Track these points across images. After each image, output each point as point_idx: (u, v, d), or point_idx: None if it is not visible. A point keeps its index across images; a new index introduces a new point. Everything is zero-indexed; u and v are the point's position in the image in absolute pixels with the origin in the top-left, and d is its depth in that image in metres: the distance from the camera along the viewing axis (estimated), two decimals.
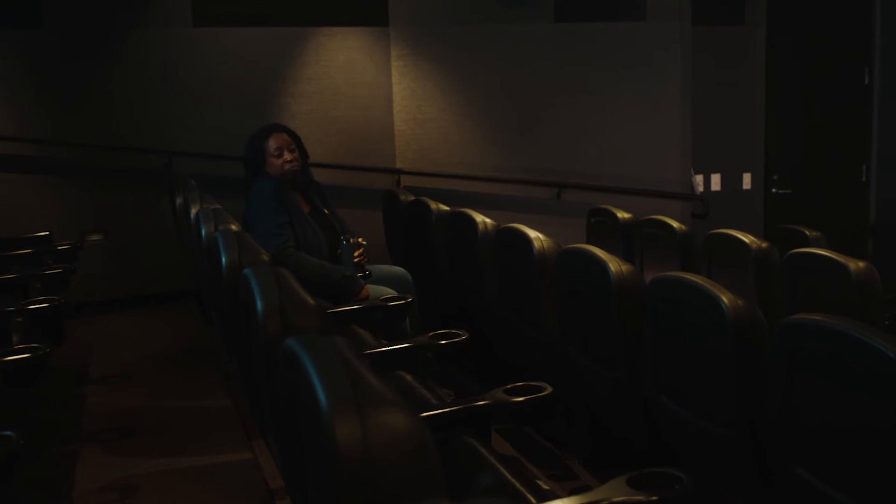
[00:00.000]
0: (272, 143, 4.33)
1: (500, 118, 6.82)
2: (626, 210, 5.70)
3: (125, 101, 6.03)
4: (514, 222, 6.65)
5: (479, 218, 4.10)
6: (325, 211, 4.44)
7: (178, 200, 3.97)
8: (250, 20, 6.23)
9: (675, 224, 4.83)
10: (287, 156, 4.32)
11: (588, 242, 5.61)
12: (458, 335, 2.90)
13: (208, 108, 6.18)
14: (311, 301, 1.69)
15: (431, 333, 2.90)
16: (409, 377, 2.72)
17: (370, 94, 6.33)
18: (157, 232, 5.92)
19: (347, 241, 4.16)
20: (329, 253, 4.21)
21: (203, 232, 2.89)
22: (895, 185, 8.17)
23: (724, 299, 2.44)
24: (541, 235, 3.55)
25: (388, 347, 2.86)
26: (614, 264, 2.94)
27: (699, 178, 7.50)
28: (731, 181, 7.82)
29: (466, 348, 2.85)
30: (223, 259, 2.23)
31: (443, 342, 2.89)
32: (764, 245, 4.29)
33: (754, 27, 7.76)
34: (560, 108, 6.87)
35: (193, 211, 3.41)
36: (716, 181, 7.74)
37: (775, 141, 7.97)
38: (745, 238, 4.32)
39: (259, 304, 1.65)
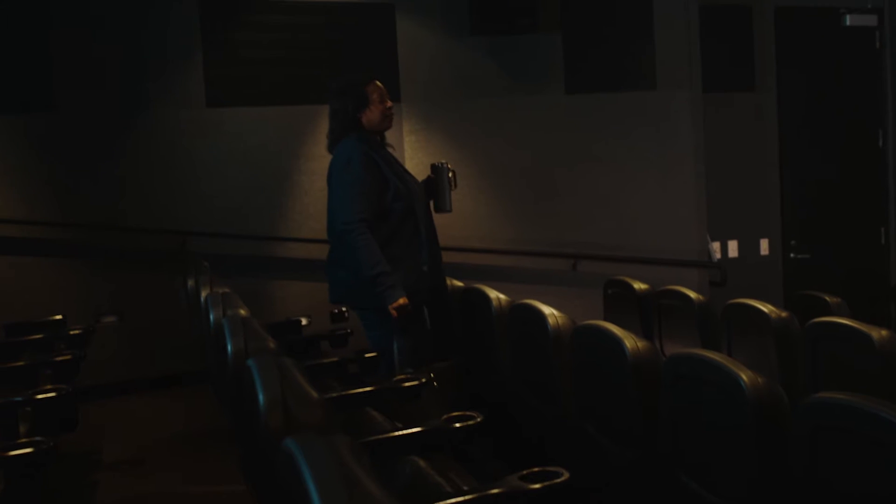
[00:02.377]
0: (374, 90, 4.12)
1: (513, 190, 6.82)
2: (644, 280, 5.65)
3: (138, 181, 6.07)
4: (531, 295, 6.62)
5: (493, 294, 4.05)
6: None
7: (190, 283, 3.95)
8: (262, 100, 6.29)
9: (692, 294, 4.77)
10: (388, 102, 4.18)
11: (605, 314, 5.57)
12: (473, 417, 2.83)
13: (221, 187, 6.21)
14: (314, 394, 1.64)
15: (445, 416, 2.83)
16: (422, 463, 2.66)
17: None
18: (171, 312, 5.89)
19: (441, 165, 4.32)
20: (423, 200, 4.22)
21: (211, 317, 2.86)
22: None
23: (744, 377, 2.37)
24: (555, 311, 3.49)
25: (400, 432, 2.81)
26: (630, 341, 2.88)
27: (716, 246, 7.45)
28: (748, 247, 7.77)
29: (481, 430, 2.78)
30: (228, 346, 2.19)
31: (457, 425, 2.83)
32: (784, 314, 4.22)
33: (765, 92, 7.78)
34: (574, 179, 6.87)
35: (203, 294, 3.39)
36: (733, 248, 7.69)
37: (792, 205, 7.93)
38: (765, 308, 4.25)
39: (261, 399, 1.61)
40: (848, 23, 8.01)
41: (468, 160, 6.72)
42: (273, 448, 1.45)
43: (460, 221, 6.67)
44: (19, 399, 2.84)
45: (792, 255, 7.93)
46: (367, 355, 3.99)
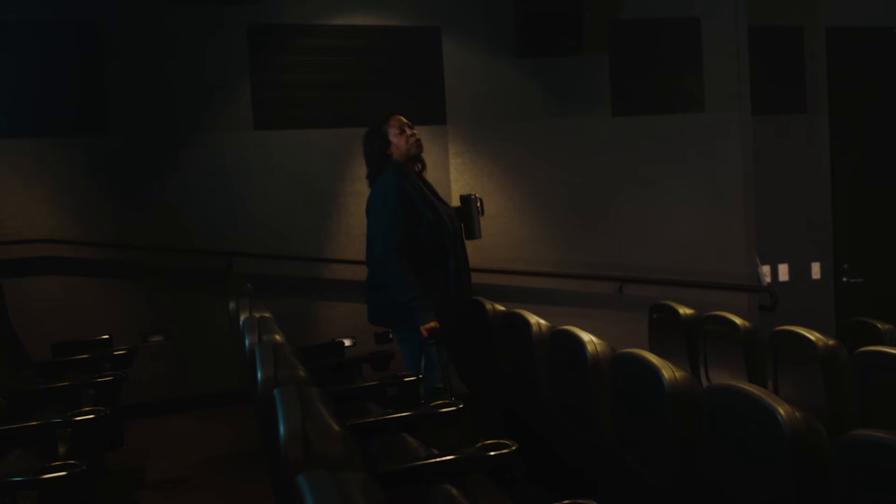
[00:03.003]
0: (393, 124, 4.46)
1: (559, 213, 6.79)
2: (692, 304, 5.57)
3: (186, 203, 6.14)
4: (576, 318, 6.59)
5: (534, 319, 4.03)
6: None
7: (231, 305, 3.98)
8: (309, 123, 6.33)
9: (738, 321, 4.68)
10: (409, 130, 4.47)
11: (650, 340, 5.51)
12: (508, 446, 2.81)
13: (268, 208, 6.26)
14: (335, 427, 1.63)
15: (480, 444, 2.81)
16: (454, 490, 2.63)
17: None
18: (217, 333, 5.94)
19: (469, 196, 4.68)
20: (453, 226, 4.48)
21: (247, 342, 2.88)
22: None
23: (781, 410, 2.33)
24: (594, 338, 3.46)
25: (433, 460, 2.79)
26: (668, 371, 2.84)
27: (766, 269, 7.35)
28: (799, 271, 7.66)
29: (520, 454, 2.76)
30: (258, 374, 2.20)
31: (491, 453, 2.81)
32: (831, 342, 4.12)
33: (817, 113, 7.68)
34: (620, 202, 6.84)
35: (242, 318, 3.41)
36: (783, 271, 7.58)
37: (844, 228, 7.79)
38: (812, 335, 4.16)
39: (281, 430, 1.61)
40: None
41: (513, 182, 6.72)
42: (290, 481, 1.45)
43: (506, 244, 6.67)
44: (59, 420, 2.87)
45: (844, 279, 7.79)
46: (406, 379, 3.98)
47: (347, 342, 6.18)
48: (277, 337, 2.80)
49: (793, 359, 4.28)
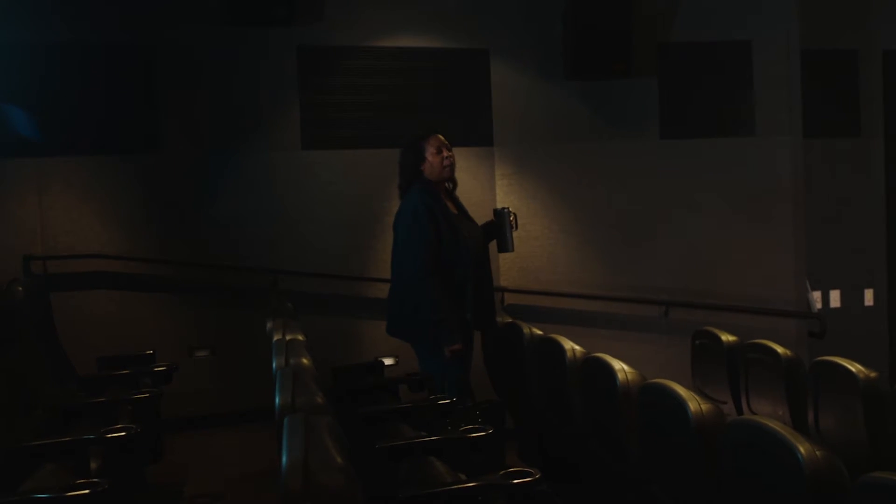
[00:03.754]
0: (432, 143, 4.60)
1: (606, 235, 6.76)
2: (740, 329, 5.52)
3: (235, 220, 6.23)
4: (620, 341, 6.62)
5: (569, 345, 4.02)
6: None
7: (269, 325, 4.03)
8: (356, 143, 6.40)
9: (780, 349, 4.62)
10: (445, 153, 4.61)
11: (692, 366, 5.46)
12: (531, 474, 2.82)
13: (314, 227, 6.33)
14: (339, 459, 1.66)
15: (503, 472, 2.83)
16: None
17: (475, 213, 6.26)
18: (261, 349, 5.98)
19: (503, 210, 4.78)
20: (475, 246, 4.60)
21: (274, 364, 2.92)
22: None
23: (801, 449, 2.30)
24: (626, 367, 3.45)
25: (456, 486, 2.81)
26: (694, 404, 2.82)
27: (816, 295, 7.24)
28: (851, 297, 7.53)
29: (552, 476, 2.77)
30: (276, 400, 2.24)
31: (514, 481, 2.82)
32: (873, 375, 4.05)
33: (872, 137, 7.56)
34: (667, 225, 6.79)
35: (275, 339, 3.46)
36: (835, 298, 7.47)
37: None
38: (853, 367, 4.09)
39: (283, 461, 1.64)
40: None
41: (560, 204, 6.71)
42: None
43: (551, 266, 6.66)
44: (91, 437, 2.94)
45: None
46: (440, 402, 4.00)
47: (389, 361, 6.21)
48: (305, 360, 2.83)
49: (834, 390, 4.22)
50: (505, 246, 4.84)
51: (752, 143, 6.86)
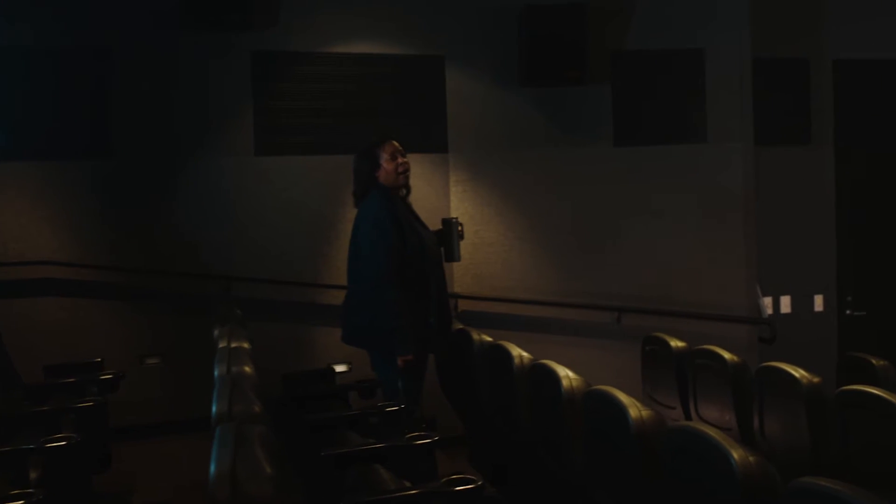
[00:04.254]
0: (387, 149, 4.65)
1: (560, 242, 6.80)
2: (691, 335, 5.57)
3: (187, 227, 6.18)
4: (574, 347, 6.65)
5: (517, 352, 4.05)
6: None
7: (216, 332, 4.01)
8: (310, 149, 6.38)
9: (727, 355, 4.68)
10: (400, 159, 4.65)
11: (642, 372, 5.51)
12: (473, 481, 2.84)
13: (267, 233, 6.29)
14: (268, 469, 1.66)
15: (445, 479, 2.85)
16: None
17: (429, 220, 6.31)
18: (212, 356, 5.96)
19: (451, 219, 4.90)
20: (436, 252, 4.71)
21: (216, 373, 2.91)
22: None
23: (735, 455, 2.33)
24: (570, 374, 3.48)
25: (398, 494, 2.82)
26: (634, 410, 2.85)
27: (767, 301, 7.32)
28: (802, 303, 7.63)
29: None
30: (213, 409, 2.23)
31: (456, 489, 2.83)
32: (815, 380, 4.10)
33: (822, 145, 7.67)
34: (621, 232, 6.84)
35: (219, 346, 3.44)
36: (786, 303, 7.56)
37: (848, 261, 7.76)
38: (796, 372, 4.15)
39: (211, 470, 1.64)
40: None
41: (514, 211, 6.74)
42: None
43: (505, 272, 6.69)
44: (30, 447, 2.91)
45: (848, 311, 7.75)
46: (388, 409, 4.00)
47: (342, 368, 6.21)
48: (247, 369, 2.82)
49: (779, 396, 4.27)
50: (452, 255, 4.93)
51: (704, 151, 6.93)
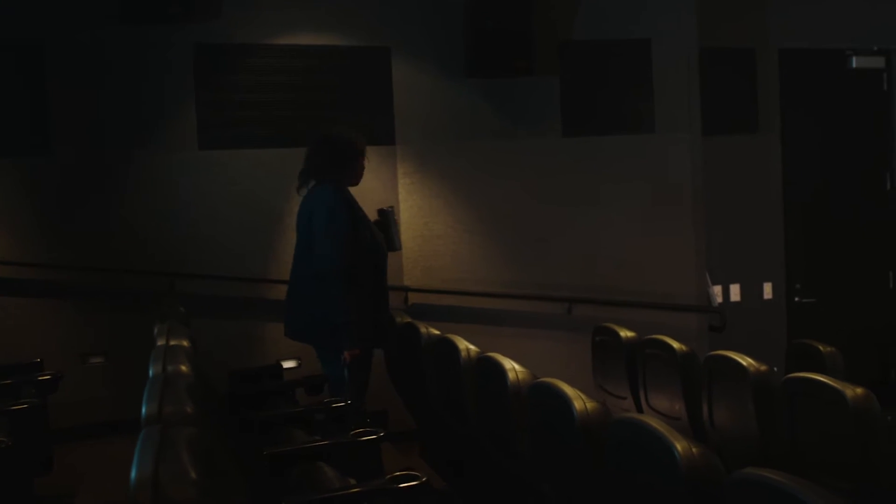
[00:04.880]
0: (364, 150, 4.70)
1: (510, 233, 6.76)
2: (641, 325, 5.58)
3: (130, 223, 6.05)
4: (525, 339, 6.63)
5: (463, 345, 4.00)
6: None
7: (155, 329, 3.92)
8: (255, 143, 6.28)
9: (675, 344, 4.67)
10: (365, 160, 4.73)
11: (593, 362, 5.50)
12: (417, 478, 2.79)
13: (213, 229, 6.18)
14: (193, 474, 1.59)
15: (390, 475, 2.80)
16: None
17: (376, 213, 6.31)
18: None
19: (388, 209, 4.89)
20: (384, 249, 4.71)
21: (150, 372, 2.83)
22: None
23: (678, 447, 2.31)
24: (517, 366, 3.44)
25: (341, 492, 2.77)
26: (579, 402, 2.82)
27: (717, 290, 7.35)
28: (751, 291, 7.67)
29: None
30: (143, 410, 2.16)
31: (401, 485, 2.79)
32: (763, 368, 4.11)
33: (769, 134, 7.71)
34: (570, 222, 6.82)
35: (158, 344, 3.36)
36: (735, 292, 7.60)
37: (796, 249, 7.82)
38: (744, 360, 4.15)
39: (132, 474, 1.57)
40: (854, 65, 7.94)
41: (463, 203, 6.69)
42: None
43: (454, 264, 6.64)
44: None
45: (796, 299, 7.81)
46: (334, 405, 3.94)
47: (291, 364, 6.14)
48: (183, 367, 2.75)
49: (727, 383, 4.28)
50: (392, 245, 4.89)
51: (652, 141, 6.93)
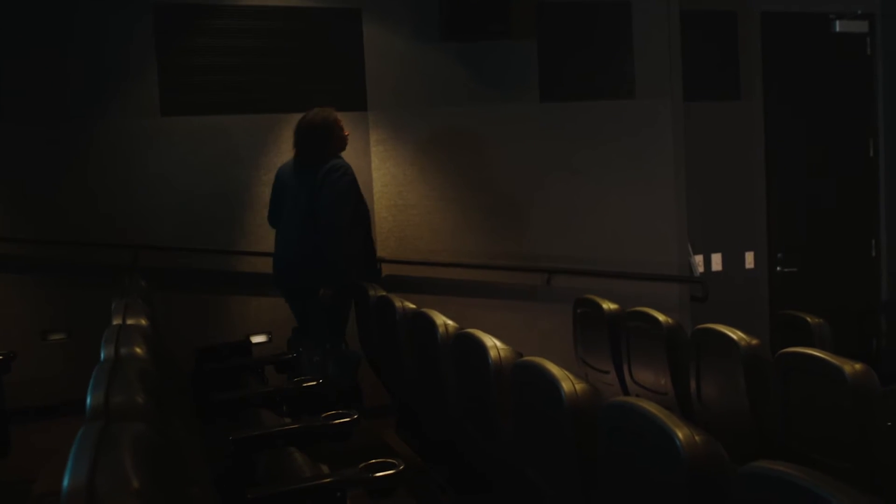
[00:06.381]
0: (341, 122, 5.26)
1: (486, 202, 6.54)
2: (622, 295, 5.41)
3: (90, 194, 5.78)
4: (503, 310, 6.44)
5: (441, 320, 3.79)
6: None
7: (112, 306, 3.68)
8: (221, 108, 6.00)
9: (661, 317, 4.50)
10: (347, 131, 5.33)
11: (574, 335, 5.32)
12: (394, 466, 2.61)
13: (178, 199, 5.92)
14: (135, 483, 1.38)
15: (363, 464, 2.62)
16: None
17: None
18: None
19: None
20: None
21: (102, 355, 2.61)
22: None
23: (680, 435, 2.11)
24: (498, 343, 3.23)
25: (313, 483, 2.59)
26: (567, 384, 2.63)
27: (699, 259, 7.20)
28: (733, 261, 7.52)
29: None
30: (87, 401, 1.94)
31: (376, 475, 2.61)
32: (754, 342, 3.94)
33: (751, 100, 7.52)
34: (549, 191, 6.61)
35: (113, 323, 3.13)
36: (717, 261, 7.44)
37: (778, 217, 7.67)
38: (734, 334, 3.98)
39: (64, 484, 1.36)
40: (837, 29, 7.76)
41: (438, 171, 6.46)
42: None
43: (429, 234, 6.42)
44: None
45: (779, 268, 7.67)
46: (305, 384, 3.74)
47: (261, 338, 5.95)
48: (138, 350, 2.53)
49: (716, 358, 4.11)
50: None
51: (632, 106, 6.73)
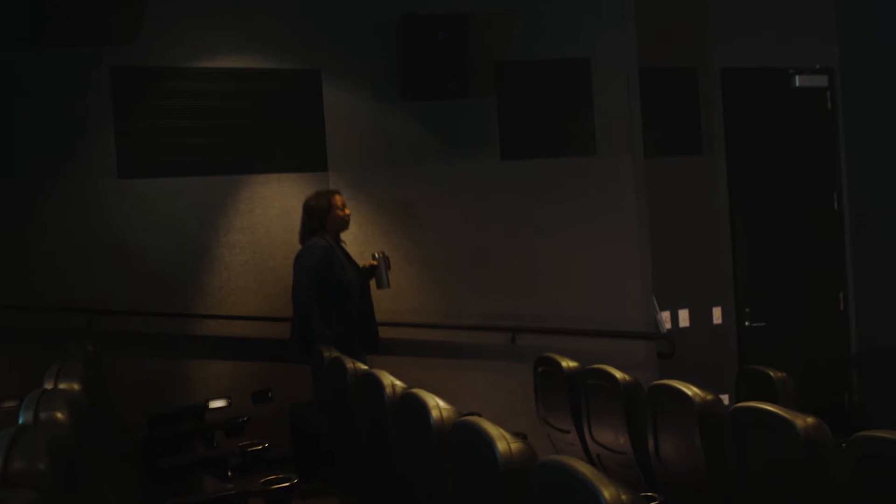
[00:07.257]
0: (338, 200, 5.67)
1: (448, 261, 6.51)
2: (587, 353, 5.34)
3: (45, 256, 5.70)
4: (466, 370, 6.37)
5: (388, 381, 3.73)
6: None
7: (47, 371, 3.59)
8: (178, 171, 5.97)
9: (618, 374, 4.43)
10: (347, 210, 5.73)
11: (535, 394, 5.25)
12: (289, 480, 2.77)
13: (134, 262, 5.86)
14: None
15: (263, 479, 2.74)
16: None
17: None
18: None
19: (380, 254, 5.82)
20: (357, 283, 5.70)
21: (20, 420, 2.54)
22: (874, 311, 7.82)
23: (606, 494, 2.05)
24: (441, 403, 3.16)
25: (214, 495, 2.62)
26: (502, 443, 2.56)
27: (665, 315, 7.15)
28: (700, 316, 7.48)
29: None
30: None
31: (272, 488, 2.75)
32: (709, 398, 3.88)
33: (714, 155, 7.56)
34: (512, 248, 6.60)
35: (45, 387, 3.05)
36: (684, 317, 7.40)
37: (745, 272, 7.66)
38: (689, 390, 3.91)
39: None
40: (797, 84, 7.83)
41: (400, 230, 6.44)
42: None
43: (392, 294, 6.33)
44: None
45: (747, 323, 7.64)
46: (250, 449, 3.67)
47: (220, 403, 5.83)
48: (59, 415, 2.45)
49: (672, 414, 4.04)
50: (381, 284, 5.81)
51: (594, 163, 6.73)
